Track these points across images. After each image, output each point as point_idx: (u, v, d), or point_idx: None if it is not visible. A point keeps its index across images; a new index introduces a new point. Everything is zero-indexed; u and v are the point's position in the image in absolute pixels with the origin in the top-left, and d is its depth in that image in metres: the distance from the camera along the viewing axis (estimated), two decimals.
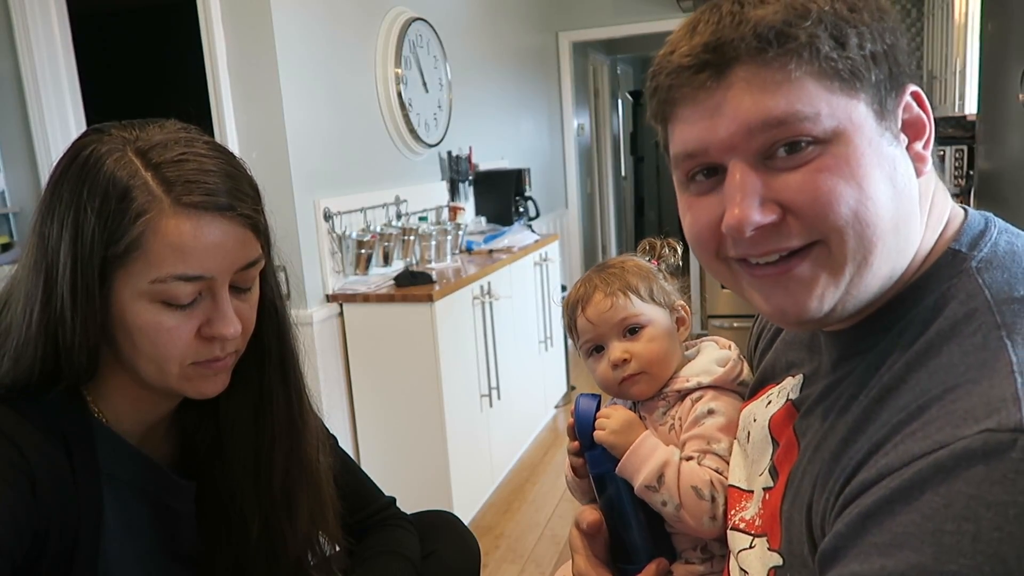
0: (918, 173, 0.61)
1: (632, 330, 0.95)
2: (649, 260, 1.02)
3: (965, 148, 3.95)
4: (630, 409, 0.95)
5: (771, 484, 0.71)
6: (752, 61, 0.57)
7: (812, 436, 0.66)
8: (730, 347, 0.98)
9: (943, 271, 0.61)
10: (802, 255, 0.60)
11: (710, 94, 0.59)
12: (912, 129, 0.61)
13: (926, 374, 0.56)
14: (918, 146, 0.61)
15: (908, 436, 0.53)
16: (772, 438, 0.74)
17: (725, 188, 0.60)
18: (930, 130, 0.62)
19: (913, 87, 0.61)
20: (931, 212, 0.63)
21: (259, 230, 0.79)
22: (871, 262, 0.59)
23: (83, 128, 2.46)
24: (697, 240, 0.65)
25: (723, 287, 4.31)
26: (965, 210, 0.66)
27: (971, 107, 3.28)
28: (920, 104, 0.61)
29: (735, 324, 4.25)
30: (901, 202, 0.59)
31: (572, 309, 0.98)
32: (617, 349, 0.95)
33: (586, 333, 0.97)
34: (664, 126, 0.65)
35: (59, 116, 2.45)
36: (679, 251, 1.04)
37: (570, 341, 1.03)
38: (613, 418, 0.90)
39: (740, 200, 0.58)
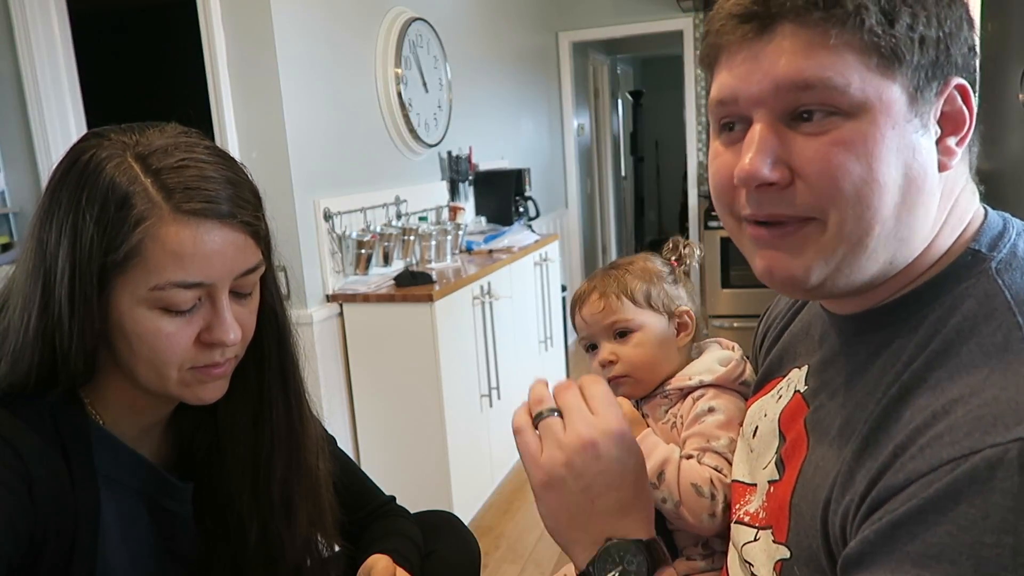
0: (941, 167, 0.60)
1: (621, 333, 0.96)
2: (671, 259, 1.03)
3: None
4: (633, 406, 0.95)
5: (777, 477, 0.71)
6: (796, 19, 0.57)
7: (824, 431, 0.66)
8: (733, 348, 0.99)
9: (961, 271, 0.61)
10: (798, 225, 0.60)
11: (750, 45, 0.59)
12: (950, 123, 0.60)
13: (946, 374, 0.56)
14: (951, 141, 0.60)
15: (935, 439, 0.52)
16: (780, 432, 0.74)
17: (744, 140, 0.61)
18: (969, 127, 0.61)
19: (960, 80, 0.60)
20: (952, 210, 0.63)
21: (259, 236, 0.79)
22: (867, 244, 0.59)
23: (83, 128, 2.47)
24: (717, 190, 0.66)
25: (723, 287, 4.33)
26: (986, 210, 0.66)
27: None
28: (965, 99, 0.60)
29: (735, 324, 4.25)
30: (910, 191, 0.58)
31: (572, 306, 1.03)
32: (605, 350, 0.98)
33: (581, 331, 1.01)
34: (710, 71, 0.66)
35: (59, 116, 2.45)
36: (697, 254, 1.05)
37: (571, 340, 1.05)
38: None
39: (753, 153, 0.59)
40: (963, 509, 0.49)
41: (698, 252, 1.06)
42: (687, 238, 1.07)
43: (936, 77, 0.58)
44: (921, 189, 0.59)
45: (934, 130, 0.60)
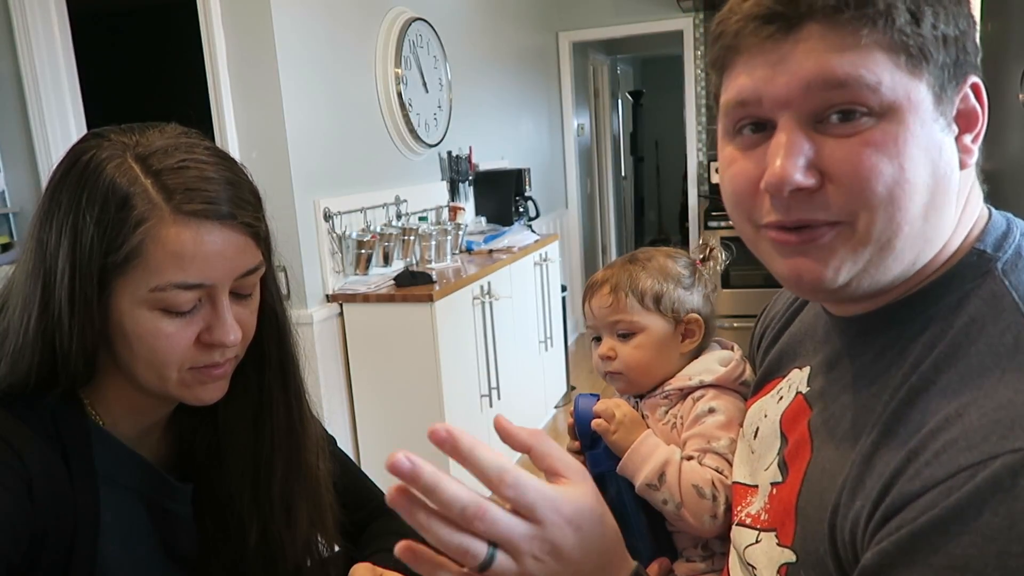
0: (962, 165, 0.60)
1: (623, 334, 0.96)
2: (698, 257, 1.02)
3: None
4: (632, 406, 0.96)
5: (780, 479, 0.70)
6: (825, 20, 0.56)
7: (829, 434, 0.65)
8: (733, 348, 0.99)
9: (967, 271, 0.61)
10: (826, 229, 0.59)
11: (775, 46, 0.57)
12: (965, 121, 0.60)
13: (956, 376, 0.55)
14: (967, 139, 0.60)
15: (950, 444, 0.51)
16: (782, 433, 0.73)
17: (770, 144, 0.59)
18: (982, 125, 0.60)
19: (974, 79, 0.60)
20: (965, 210, 0.62)
21: (260, 237, 0.79)
22: (895, 245, 0.58)
23: (83, 128, 2.47)
24: (734, 196, 0.64)
25: (724, 287, 4.33)
26: (989, 211, 0.66)
27: None
28: (978, 97, 0.60)
29: (735, 324, 4.25)
30: (937, 190, 0.58)
31: (585, 291, 1.03)
32: (606, 345, 0.98)
33: (589, 320, 1.02)
34: (720, 73, 0.64)
35: (59, 116, 2.45)
36: (722, 259, 1.04)
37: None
38: (616, 416, 0.90)
39: (784, 157, 0.57)
40: (987, 518, 0.48)
41: (723, 257, 1.04)
42: (698, 240, 1.06)
43: (957, 76, 0.58)
44: (947, 189, 0.59)
45: (954, 128, 0.59)
